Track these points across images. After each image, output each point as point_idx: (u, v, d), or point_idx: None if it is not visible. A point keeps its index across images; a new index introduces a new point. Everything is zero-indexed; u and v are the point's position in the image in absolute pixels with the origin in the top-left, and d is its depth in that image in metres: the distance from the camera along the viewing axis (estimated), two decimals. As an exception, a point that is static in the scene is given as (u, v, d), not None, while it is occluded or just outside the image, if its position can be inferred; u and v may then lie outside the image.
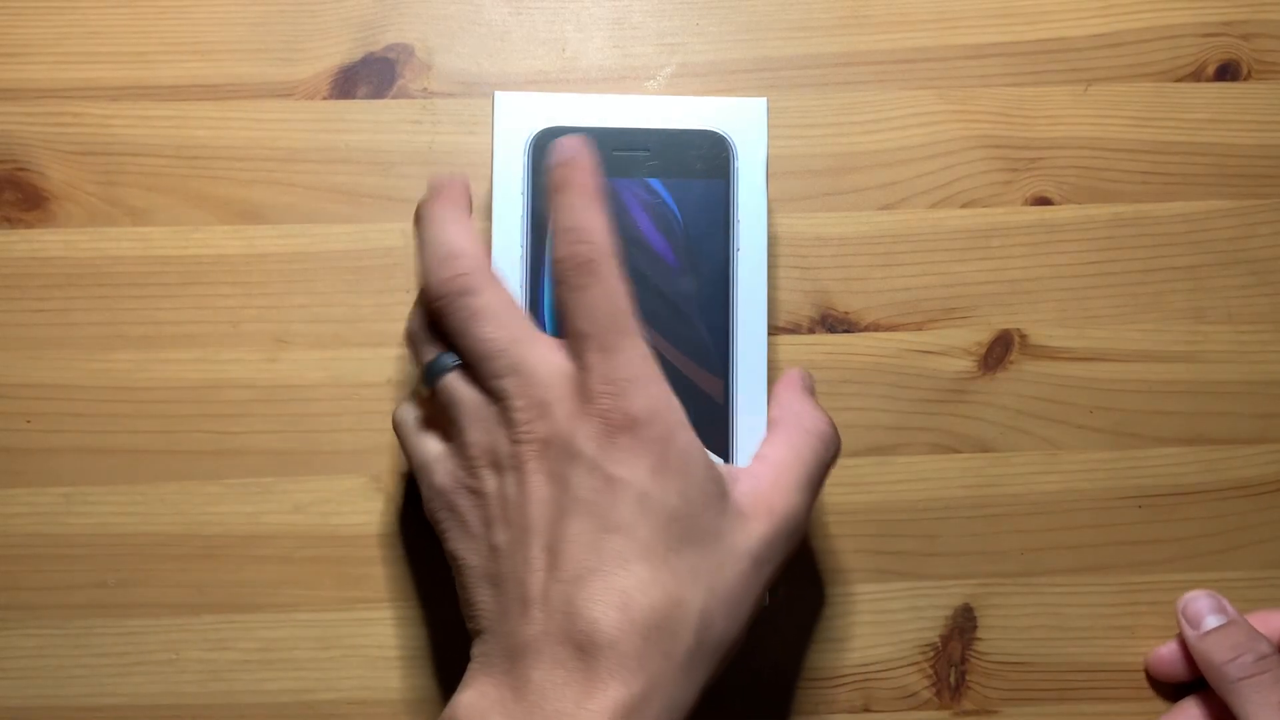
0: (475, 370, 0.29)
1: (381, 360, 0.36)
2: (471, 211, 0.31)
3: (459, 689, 0.28)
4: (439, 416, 0.30)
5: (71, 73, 0.36)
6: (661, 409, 0.28)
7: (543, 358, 0.29)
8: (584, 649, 0.26)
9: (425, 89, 0.36)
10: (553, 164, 0.30)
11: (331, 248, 0.36)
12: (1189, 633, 0.34)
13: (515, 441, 0.28)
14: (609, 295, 0.28)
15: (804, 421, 0.31)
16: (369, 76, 0.36)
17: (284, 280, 0.36)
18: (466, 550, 0.29)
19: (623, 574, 0.27)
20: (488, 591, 0.28)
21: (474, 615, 0.29)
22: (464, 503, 0.29)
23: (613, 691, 0.25)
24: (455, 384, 0.29)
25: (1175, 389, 0.37)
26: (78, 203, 0.36)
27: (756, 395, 0.31)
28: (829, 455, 0.31)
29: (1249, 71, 0.38)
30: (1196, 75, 0.38)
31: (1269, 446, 0.37)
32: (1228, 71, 0.38)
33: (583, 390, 0.28)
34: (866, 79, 0.37)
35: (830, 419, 0.31)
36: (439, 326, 0.30)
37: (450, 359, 0.30)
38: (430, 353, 0.30)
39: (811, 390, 0.32)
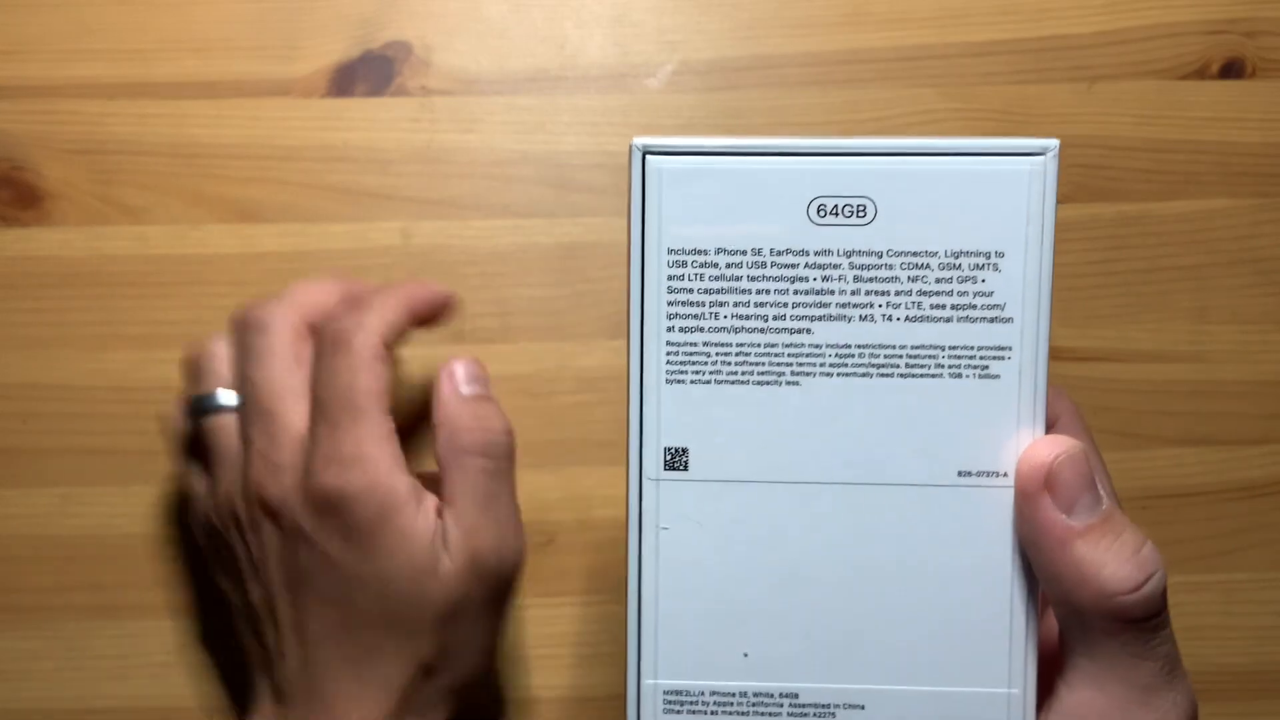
0: (241, 409, 0.30)
1: (380, 360, 0.36)
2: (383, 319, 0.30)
3: (249, 715, 0.30)
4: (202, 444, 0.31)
5: (67, 70, 0.36)
6: (379, 491, 0.28)
7: (292, 419, 0.29)
8: (330, 709, 0.28)
9: (424, 87, 0.36)
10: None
11: (330, 247, 0.36)
12: None
13: (248, 501, 0.29)
14: (352, 371, 0.28)
15: (455, 442, 0.29)
16: (367, 74, 0.36)
17: (282, 279, 0.35)
18: (229, 588, 0.31)
19: (350, 643, 0.28)
20: (250, 635, 0.30)
21: (246, 654, 0.31)
22: (222, 547, 0.30)
23: None
24: (218, 427, 0.30)
25: (1179, 389, 0.37)
26: (73, 201, 0.36)
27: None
28: (492, 464, 0.29)
29: (1254, 69, 0.37)
30: (1201, 73, 0.37)
31: (1274, 447, 0.37)
32: (1232, 69, 0.37)
33: (309, 462, 0.28)
34: (868, 77, 0.37)
35: (484, 417, 0.29)
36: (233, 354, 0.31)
37: (221, 398, 0.30)
38: (205, 384, 0.30)
39: (473, 383, 0.30)
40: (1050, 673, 0.25)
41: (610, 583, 0.36)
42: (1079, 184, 0.37)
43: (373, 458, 0.28)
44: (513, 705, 0.35)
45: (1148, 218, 0.37)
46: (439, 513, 0.29)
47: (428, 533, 0.28)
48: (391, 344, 0.30)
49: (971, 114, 0.37)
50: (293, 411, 0.29)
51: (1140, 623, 0.23)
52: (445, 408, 0.30)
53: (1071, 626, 0.24)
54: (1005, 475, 0.24)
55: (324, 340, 0.29)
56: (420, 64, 0.36)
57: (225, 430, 0.30)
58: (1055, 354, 0.36)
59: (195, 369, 0.31)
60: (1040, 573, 0.24)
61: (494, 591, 0.30)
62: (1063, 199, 0.37)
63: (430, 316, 0.32)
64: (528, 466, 0.35)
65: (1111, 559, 0.23)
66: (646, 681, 0.25)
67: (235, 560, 0.30)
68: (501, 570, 0.30)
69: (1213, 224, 0.37)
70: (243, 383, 0.30)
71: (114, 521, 0.35)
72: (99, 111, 0.36)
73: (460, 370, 0.30)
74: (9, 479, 0.35)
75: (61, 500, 0.35)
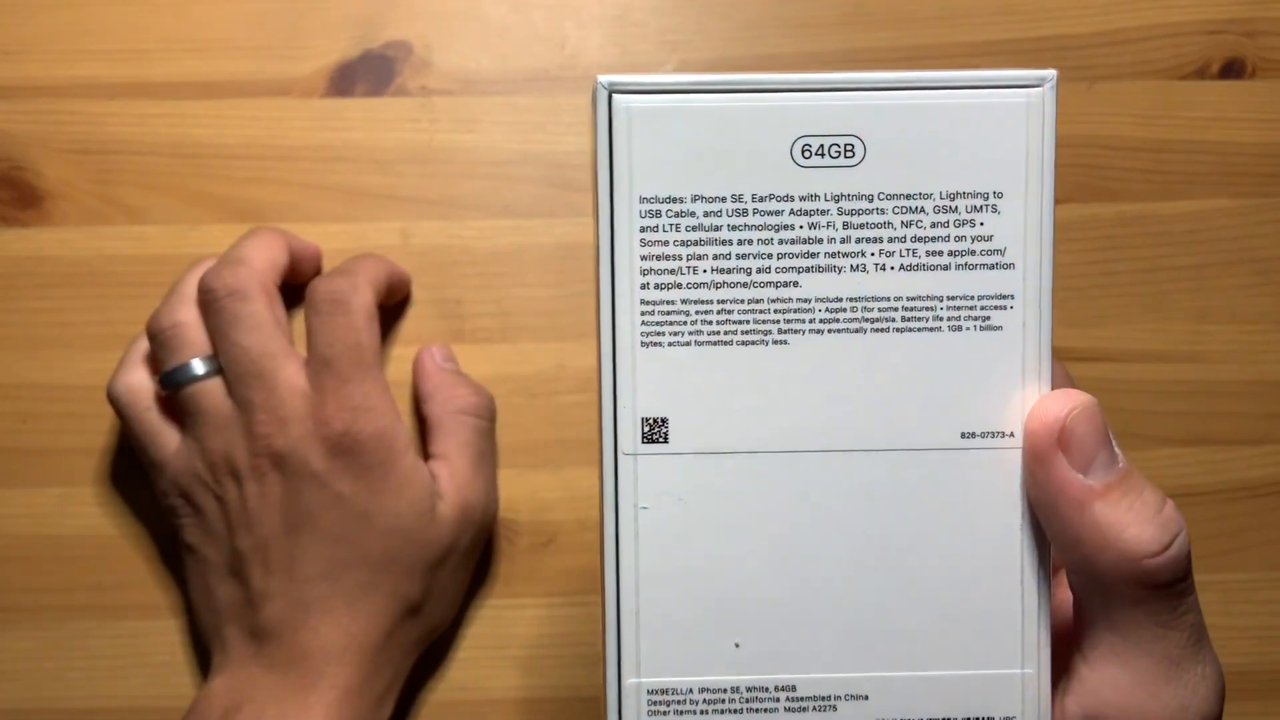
0: (226, 372, 0.31)
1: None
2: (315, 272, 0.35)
3: (209, 677, 0.31)
4: (174, 407, 0.32)
5: (67, 70, 0.36)
6: (387, 436, 0.31)
7: (289, 376, 0.31)
8: (320, 640, 0.30)
9: (424, 87, 0.36)
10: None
11: (329, 246, 0.36)
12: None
13: (254, 453, 0.31)
14: (354, 329, 0.31)
15: (453, 404, 0.33)
16: (367, 74, 0.36)
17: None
18: (207, 546, 0.32)
19: (348, 579, 0.30)
20: (231, 585, 0.31)
21: (215, 608, 0.32)
22: (205, 503, 0.32)
23: (340, 680, 0.30)
24: (200, 393, 0.31)
25: (1179, 389, 0.37)
26: (73, 201, 0.36)
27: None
28: (485, 424, 0.34)
29: (1254, 69, 0.37)
30: (1201, 73, 0.37)
31: (1274, 447, 0.37)
32: (1232, 69, 0.37)
33: (318, 411, 0.30)
34: (868, 77, 0.37)
35: (475, 386, 0.34)
36: (205, 322, 0.32)
37: (199, 366, 0.31)
38: (179, 354, 0.32)
39: (449, 361, 0.35)
40: (1067, 650, 0.23)
41: (610, 583, 0.36)
42: (1079, 184, 0.37)
43: (380, 407, 0.31)
44: (512, 705, 0.35)
45: (1148, 218, 0.37)
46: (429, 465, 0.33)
47: (426, 478, 0.32)
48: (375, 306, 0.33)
49: (971, 114, 0.37)
50: (287, 369, 0.31)
51: (1167, 588, 0.21)
52: (435, 377, 0.34)
53: (1092, 596, 0.22)
54: (1012, 435, 0.22)
55: (320, 301, 0.32)
56: (420, 64, 0.36)
57: (209, 395, 0.31)
58: (1057, 354, 0.36)
59: (168, 340, 0.32)
60: (1056, 539, 0.22)
61: (474, 543, 0.33)
62: (1063, 199, 0.37)
63: (396, 290, 0.35)
64: (528, 466, 0.35)
65: (1134, 520, 0.21)
66: (628, 680, 0.22)
67: (222, 513, 0.31)
68: (484, 523, 0.33)
69: (1213, 224, 0.37)
70: (230, 348, 0.31)
71: (114, 521, 0.35)
72: (99, 111, 0.36)
73: (437, 351, 0.35)
74: (9, 479, 0.35)
75: (61, 500, 0.35)
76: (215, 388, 0.32)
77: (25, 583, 0.35)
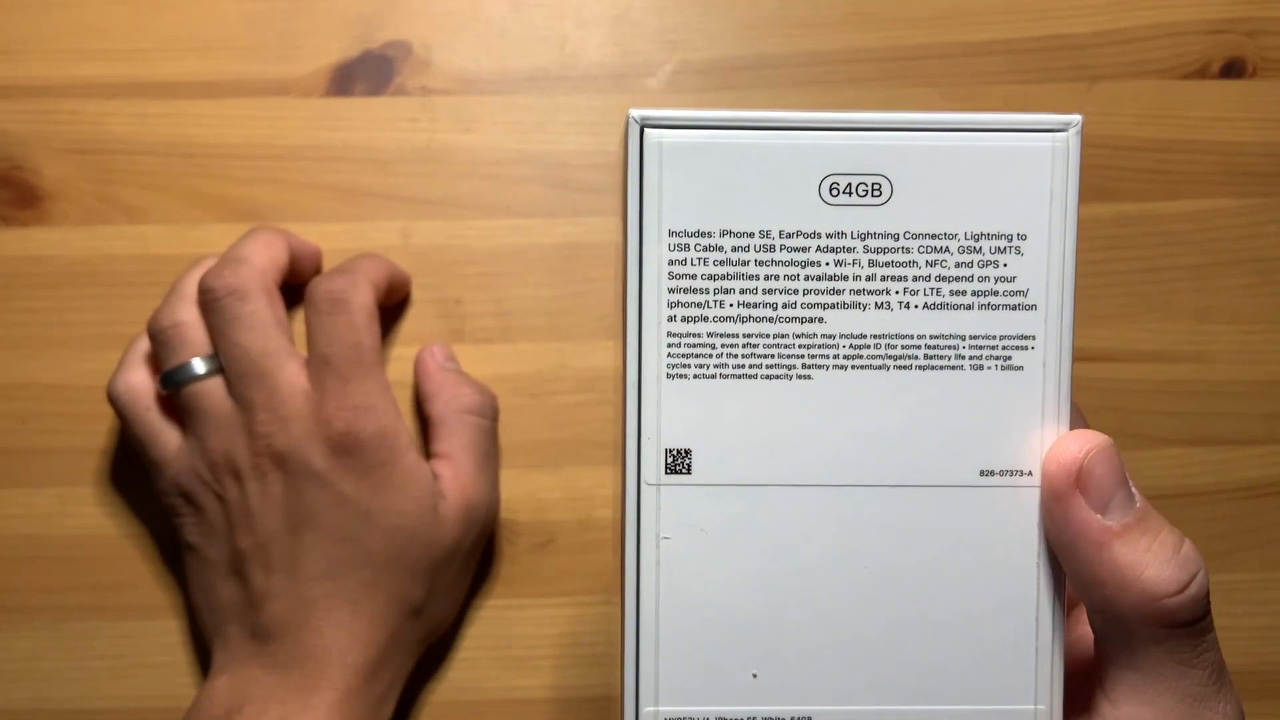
0: (226, 372, 0.31)
1: (379, 360, 0.35)
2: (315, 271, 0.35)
3: (210, 677, 0.31)
4: (175, 406, 0.32)
5: (66, 69, 0.36)
6: (388, 435, 0.31)
7: (290, 375, 0.31)
8: (322, 640, 0.30)
9: (423, 86, 0.36)
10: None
11: (329, 246, 0.36)
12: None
13: (256, 453, 0.31)
14: (354, 329, 0.31)
15: (456, 404, 0.33)
16: (367, 74, 0.36)
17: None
18: (208, 545, 0.32)
19: (350, 578, 0.30)
20: (232, 584, 0.31)
21: (216, 607, 0.32)
22: (206, 502, 0.31)
23: (341, 681, 0.30)
24: (201, 393, 0.31)
25: (1180, 389, 0.37)
26: (73, 201, 0.35)
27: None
28: (488, 424, 0.34)
29: (1255, 69, 0.37)
30: (1202, 73, 0.37)
31: (1275, 447, 0.36)
32: (1233, 69, 0.37)
33: (319, 411, 0.30)
34: (869, 76, 0.37)
35: (478, 385, 0.34)
36: (205, 321, 0.32)
37: (200, 365, 0.31)
38: (180, 354, 0.32)
39: (450, 361, 0.35)
40: (1088, 687, 0.23)
41: (610, 583, 0.36)
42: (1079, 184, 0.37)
43: (381, 406, 0.31)
44: (513, 705, 0.35)
45: (1148, 217, 0.37)
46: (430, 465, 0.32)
47: (429, 477, 0.32)
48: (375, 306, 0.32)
49: (972, 114, 0.37)
50: (288, 368, 0.31)
51: (1187, 626, 0.22)
52: (437, 376, 0.34)
53: (1113, 635, 0.22)
54: (1030, 474, 0.22)
55: (320, 300, 0.32)
56: (420, 64, 0.36)
57: (210, 394, 0.31)
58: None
59: (168, 340, 0.32)
60: (1076, 579, 0.22)
61: (475, 543, 0.33)
62: (1063, 199, 0.37)
63: (397, 289, 0.35)
64: (528, 466, 0.35)
65: (1152, 560, 0.22)
66: (646, 709, 0.23)
67: (223, 512, 0.31)
68: (486, 522, 0.33)
69: (1213, 224, 0.37)
70: (231, 348, 0.31)
71: (114, 521, 0.35)
72: (99, 111, 0.36)
73: (439, 351, 0.34)
74: (8, 479, 0.35)
75: (61, 500, 0.35)
76: (216, 387, 0.31)
77: (25, 583, 0.35)
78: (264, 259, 0.32)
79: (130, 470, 0.35)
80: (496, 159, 0.36)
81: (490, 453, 0.34)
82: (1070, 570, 0.22)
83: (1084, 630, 0.24)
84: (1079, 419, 0.24)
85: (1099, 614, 0.22)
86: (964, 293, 0.22)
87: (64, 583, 0.35)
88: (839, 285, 0.22)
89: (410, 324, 0.36)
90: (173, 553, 0.35)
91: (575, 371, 0.36)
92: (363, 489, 0.30)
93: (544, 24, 0.37)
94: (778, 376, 0.22)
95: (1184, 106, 0.37)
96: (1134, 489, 0.22)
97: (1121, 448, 0.36)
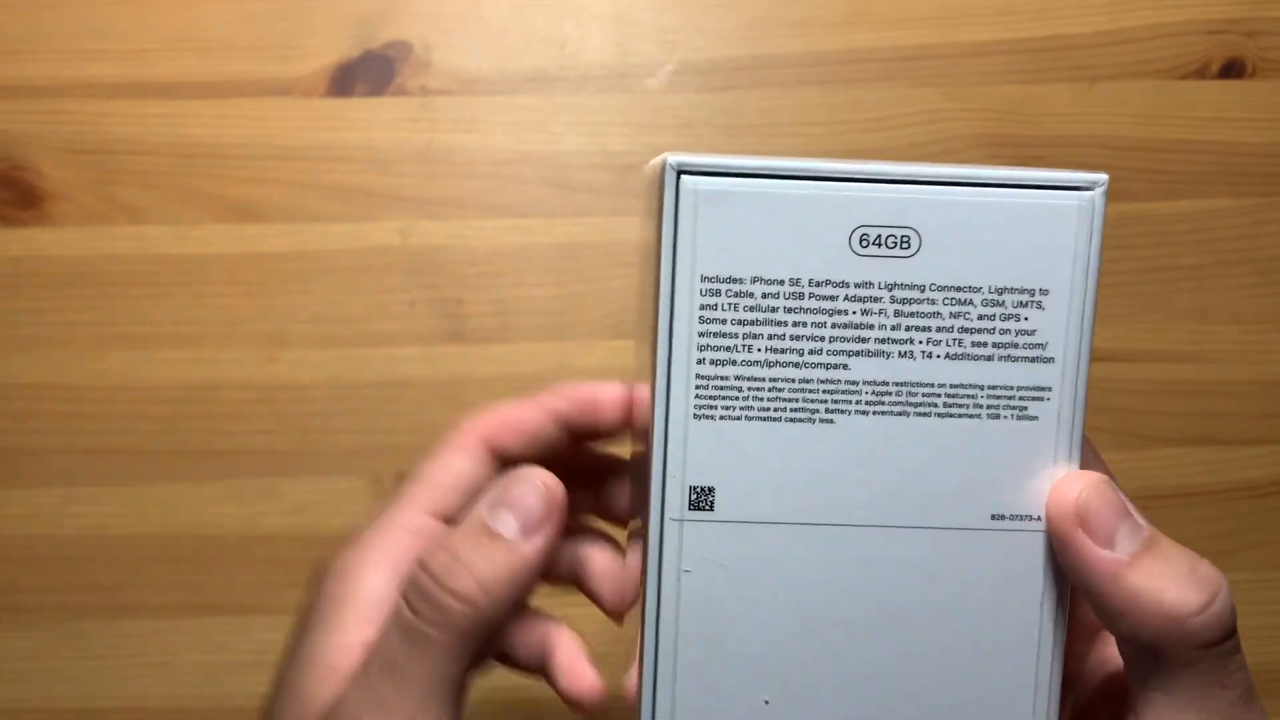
0: None
1: (379, 360, 0.36)
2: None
3: None
4: None
5: (67, 70, 0.36)
6: None
7: None
8: None
9: (423, 87, 0.36)
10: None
11: (329, 246, 0.36)
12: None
13: None
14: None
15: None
16: (367, 74, 0.36)
17: (281, 279, 0.35)
18: None
19: None
20: None
21: None
22: None
23: None
24: None
25: (1180, 389, 0.37)
26: (74, 201, 0.36)
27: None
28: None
29: (1254, 69, 0.37)
30: (1201, 73, 0.37)
31: (1274, 447, 0.36)
32: (1232, 69, 0.37)
33: None
34: (869, 76, 0.37)
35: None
36: None
37: None
38: None
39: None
40: (1120, 710, 0.23)
41: (610, 583, 0.36)
42: (1079, 184, 0.37)
43: None
44: (513, 705, 0.35)
45: (1148, 217, 0.37)
46: None
47: None
48: None
49: (972, 114, 0.37)
50: None
51: (1215, 645, 0.22)
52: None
53: (1141, 660, 0.22)
54: (1038, 519, 0.23)
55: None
56: (420, 64, 0.36)
57: None
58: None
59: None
60: (1101, 615, 0.22)
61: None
62: (1063, 199, 0.37)
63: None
64: (528, 466, 0.35)
65: (1169, 583, 0.22)
66: None
67: None
68: None
69: (1213, 224, 0.37)
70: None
71: (114, 521, 0.35)
72: (99, 111, 0.36)
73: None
74: (9, 479, 0.35)
75: (61, 500, 0.35)
76: None
77: (24, 583, 0.35)
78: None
79: (130, 470, 0.35)
80: (496, 159, 0.36)
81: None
82: (1094, 606, 0.22)
83: (1111, 653, 0.25)
84: (1093, 457, 0.24)
85: (1129, 644, 0.23)
86: (985, 344, 0.23)
87: (64, 583, 0.35)
88: (864, 334, 0.23)
89: (410, 324, 0.36)
90: (170, 553, 0.35)
91: (575, 371, 0.36)
92: None
93: (544, 24, 0.37)
94: (801, 419, 0.23)
95: (1183, 107, 0.37)
96: (1140, 518, 0.22)
97: (1121, 448, 0.37)
